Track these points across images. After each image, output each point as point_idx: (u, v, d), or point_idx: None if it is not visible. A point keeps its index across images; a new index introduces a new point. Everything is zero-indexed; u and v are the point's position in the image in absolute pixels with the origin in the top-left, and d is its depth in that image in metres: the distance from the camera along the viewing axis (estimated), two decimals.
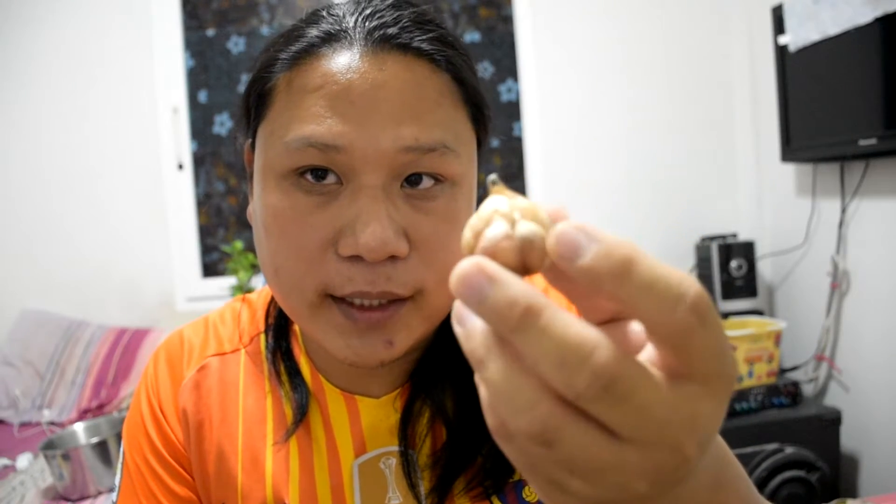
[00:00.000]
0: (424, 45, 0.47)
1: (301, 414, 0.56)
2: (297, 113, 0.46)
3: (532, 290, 0.23)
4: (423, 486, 0.54)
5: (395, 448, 0.55)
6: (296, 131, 0.46)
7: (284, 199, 0.47)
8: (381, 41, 0.47)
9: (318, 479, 0.55)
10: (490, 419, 0.26)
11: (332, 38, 0.47)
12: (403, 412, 0.56)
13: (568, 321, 0.22)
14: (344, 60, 0.46)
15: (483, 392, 0.25)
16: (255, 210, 0.52)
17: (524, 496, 0.55)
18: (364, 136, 0.45)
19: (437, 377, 0.56)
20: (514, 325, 0.22)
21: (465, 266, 0.23)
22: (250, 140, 0.54)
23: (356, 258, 0.46)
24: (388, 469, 0.55)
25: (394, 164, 0.46)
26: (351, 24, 0.48)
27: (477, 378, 0.25)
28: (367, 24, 0.47)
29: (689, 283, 0.23)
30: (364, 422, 0.56)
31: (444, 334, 0.57)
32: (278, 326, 0.60)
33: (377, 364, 0.49)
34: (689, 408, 0.23)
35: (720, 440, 0.32)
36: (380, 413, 0.56)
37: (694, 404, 0.23)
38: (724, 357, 0.23)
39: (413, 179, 0.47)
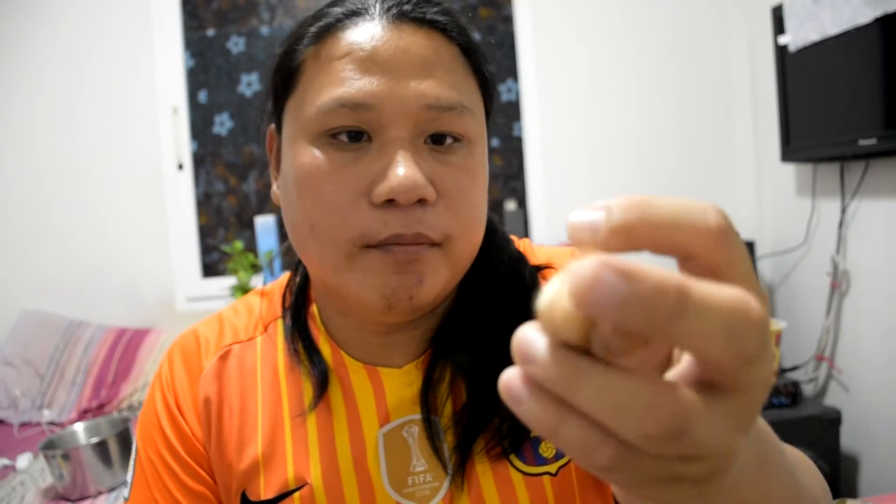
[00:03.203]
0: (438, 17, 0.53)
1: (322, 389, 0.57)
2: (326, 79, 0.51)
3: (667, 271, 0.20)
4: (447, 449, 0.56)
5: (418, 416, 0.57)
6: (327, 94, 0.50)
7: (318, 157, 0.51)
8: (399, 15, 0.52)
9: (339, 453, 0.56)
10: (599, 454, 0.22)
11: (355, 14, 0.52)
12: (425, 378, 0.57)
13: (713, 288, 0.20)
14: (368, 31, 0.51)
15: (576, 430, 0.22)
16: (285, 179, 0.54)
17: (540, 452, 0.57)
18: (391, 94, 0.49)
19: (456, 340, 0.58)
20: (671, 312, 0.19)
21: (586, 268, 0.20)
22: (274, 125, 0.57)
23: (389, 204, 0.49)
24: (410, 437, 0.57)
25: (418, 120, 0.50)
26: (371, 3, 0.53)
27: (562, 417, 0.22)
28: (385, 2, 0.53)
29: (747, 300, 0.21)
30: (388, 392, 0.58)
31: (461, 299, 0.60)
32: (296, 307, 0.62)
33: (407, 302, 0.51)
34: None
35: (765, 428, 0.32)
36: (402, 382, 0.58)
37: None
38: (770, 366, 0.23)
39: (436, 138, 0.52)
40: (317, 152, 0.51)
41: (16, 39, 2.43)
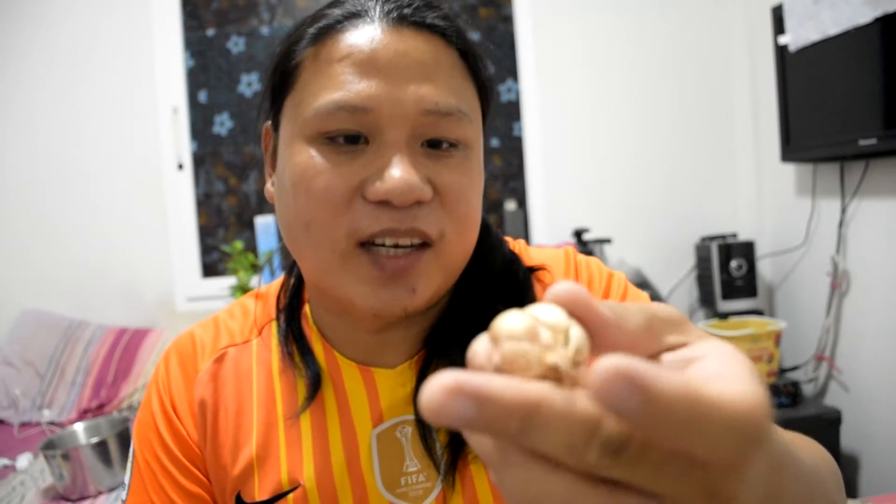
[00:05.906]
0: (438, 22, 0.53)
1: (314, 389, 0.57)
2: (325, 81, 0.51)
3: (520, 386, 0.21)
4: (439, 449, 0.56)
5: (411, 416, 0.57)
6: (326, 97, 0.50)
7: (315, 156, 0.51)
8: (399, 19, 0.52)
9: (332, 454, 0.56)
10: None
11: (355, 16, 0.52)
12: (419, 378, 0.57)
13: (568, 403, 0.21)
14: (367, 33, 0.51)
15: (503, 495, 0.24)
16: (280, 178, 0.55)
17: None
18: (390, 97, 0.50)
19: (451, 339, 0.58)
20: (517, 431, 0.21)
21: (436, 390, 0.21)
22: (270, 121, 0.58)
23: (383, 204, 0.49)
24: (404, 437, 0.57)
25: (416, 124, 0.50)
26: (371, 5, 0.53)
27: (495, 480, 0.24)
28: (385, 5, 0.53)
29: (596, 421, 0.21)
30: (381, 392, 0.58)
31: (456, 300, 0.59)
32: (290, 309, 0.62)
33: (401, 312, 0.51)
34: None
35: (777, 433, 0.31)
36: (396, 382, 0.58)
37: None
38: (766, 441, 0.22)
39: (433, 143, 0.52)
40: (313, 152, 0.51)
41: (16, 40, 2.43)
